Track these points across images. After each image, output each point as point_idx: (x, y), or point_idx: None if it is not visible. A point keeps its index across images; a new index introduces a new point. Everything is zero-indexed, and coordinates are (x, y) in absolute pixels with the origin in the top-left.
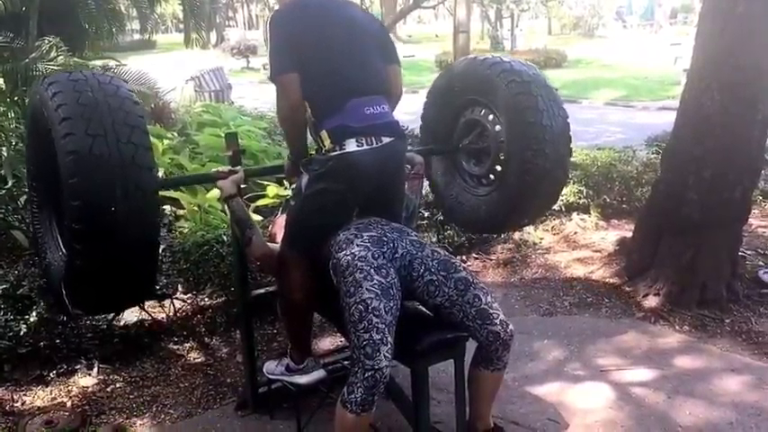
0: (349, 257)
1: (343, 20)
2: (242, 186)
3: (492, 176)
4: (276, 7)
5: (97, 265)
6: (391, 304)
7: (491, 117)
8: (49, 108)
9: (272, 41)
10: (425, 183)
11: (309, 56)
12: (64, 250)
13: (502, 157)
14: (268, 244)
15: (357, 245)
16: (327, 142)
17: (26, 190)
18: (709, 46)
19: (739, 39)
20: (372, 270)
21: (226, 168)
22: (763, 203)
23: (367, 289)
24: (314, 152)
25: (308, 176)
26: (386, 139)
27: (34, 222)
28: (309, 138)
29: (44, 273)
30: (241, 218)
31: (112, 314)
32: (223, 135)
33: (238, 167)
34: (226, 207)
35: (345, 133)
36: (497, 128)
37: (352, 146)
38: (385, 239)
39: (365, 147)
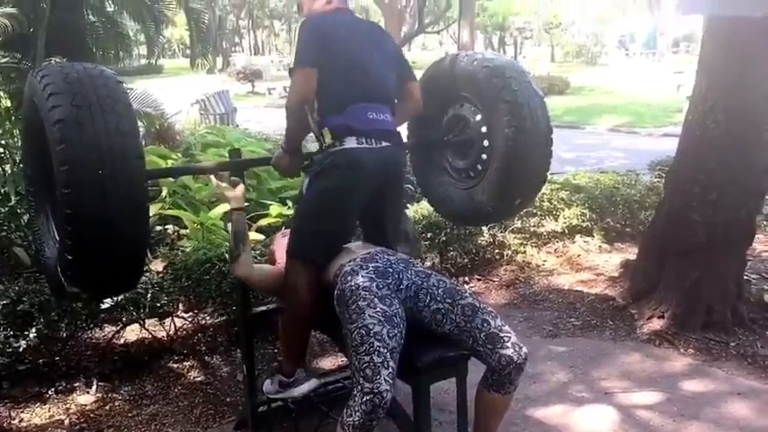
0: (353, 287)
1: (367, 37)
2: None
3: (478, 166)
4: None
5: (88, 230)
6: (395, 331)
7: (472, 109)
8: (38, 91)
9: (301, 38)
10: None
11: (330, 59)
12: (57, 236)
13: (486, 145)
14: (255, 266)
15: (362, 276)
16: (328, 138)
17: (28, 208)
18: (713, 68)
19: (742, 61)
20: (376, 299)
21: (224, 182)
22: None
23: (369, 315)
24: (313, 152)
25: (309, 177)
26: (385, 144)
27: (33, 227)
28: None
29: (43, 268)
30: (239, 232)
31: (112, 332)
32: (227, 155)
33: (237, 179)
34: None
35: (347, 132)
36: (478, 117)
37: (352, 143)
38: (390, 271)
39: (365, 145)
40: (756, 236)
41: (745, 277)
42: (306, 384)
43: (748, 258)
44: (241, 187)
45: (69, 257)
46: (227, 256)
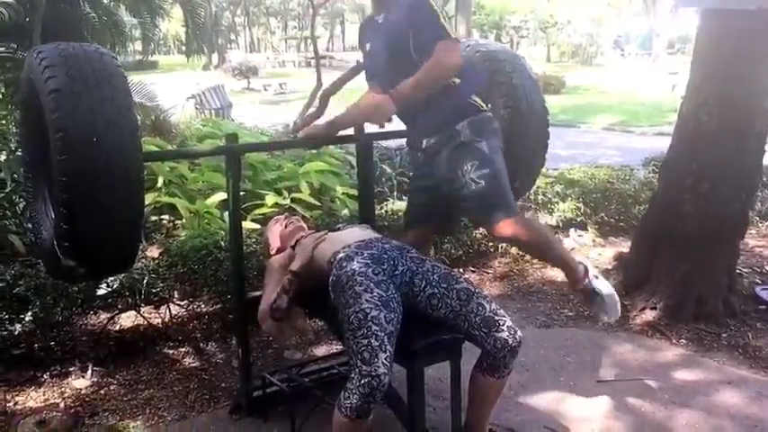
0: (349, 273)
1: None
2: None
3: None
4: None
5: (83, 197)
6: (392, 315)
7: None
8: (35, 67)
9: (434, 12)
10: None
11: None
12: (53, 209)
13: None
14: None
15: (357, 262)
16: (482, 103)
17: (26, 195)
18: (707, 60)
19: (736, 54)
20: (372, 284)
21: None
22: (760, 224)
23: (366, 300)
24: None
25: (486, 138)
26: None
27: (30, 212)
28: None
29: (40, 251)
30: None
31: (108, 318)
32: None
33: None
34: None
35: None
36: None
37: None
38: (385, 257)
39: None
40: (749, 231)
41: (738, 270)
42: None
43: (741, 253)
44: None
45: (65, 227)
46: (222, 243)
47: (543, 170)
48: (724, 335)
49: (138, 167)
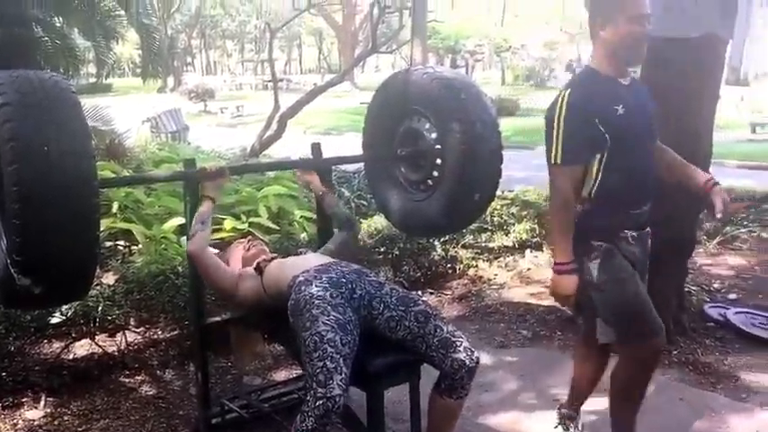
0: (307, 296)
1: None
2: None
3: (429, 181)
4: None
5: (35, 207)
6: (348, 338)
7: (424, 122)
8: None
9: None
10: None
11: None
12: (5, 226)
13: (437, 157)
14: (210, 252)
15: (316, 286)
16: None
17: None
18: (654, 87)
19: (680, 79)
20: (329, 307)
21: (214, 166)
22: (707, 243)
23: (323, 323)
24: None
25: None
26: None
27: None
28: None
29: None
30: (203, 215)
31: (61, 347)
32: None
33: (225, 168)
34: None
35: None
36: (428, 127)
37: None
38: (343, 281)
39: None
40: (697, 250)
41: (686, 288)
42: None
43: (689, 272)
44: (219, 180)
45: (17, 240)
46: (179, 269)
47: (499, 192)
48: (675, 352)
49: (91, 173)
